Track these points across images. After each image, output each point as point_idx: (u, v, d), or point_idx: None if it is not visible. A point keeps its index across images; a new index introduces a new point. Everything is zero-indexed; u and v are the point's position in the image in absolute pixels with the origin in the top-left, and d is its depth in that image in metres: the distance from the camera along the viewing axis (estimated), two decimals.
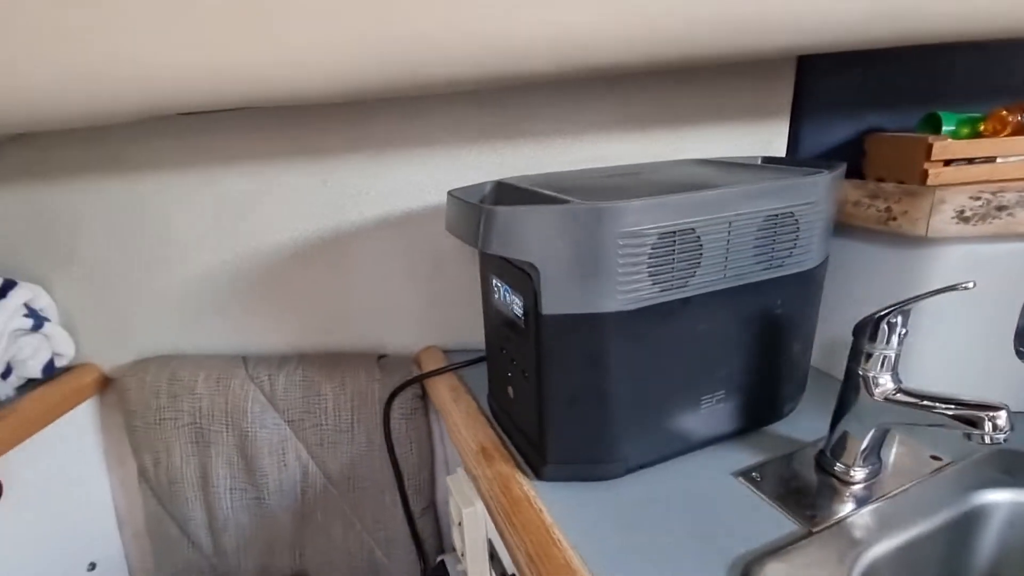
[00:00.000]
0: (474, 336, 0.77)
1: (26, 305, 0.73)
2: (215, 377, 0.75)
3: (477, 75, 0.52)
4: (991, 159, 0.54)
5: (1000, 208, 0.49)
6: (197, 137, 0.68)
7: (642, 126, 0.68)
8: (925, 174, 0.54)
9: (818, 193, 0.48)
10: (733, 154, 0.69)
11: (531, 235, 0.41)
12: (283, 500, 0.76)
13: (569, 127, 0.68)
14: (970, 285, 0.39)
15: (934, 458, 0.50)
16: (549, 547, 0.42)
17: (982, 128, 0.56)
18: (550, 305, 0.43)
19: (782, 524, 0.44)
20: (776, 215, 0.47)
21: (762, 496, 0.47)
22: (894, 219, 0.53)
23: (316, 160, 0.69)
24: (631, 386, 0.47)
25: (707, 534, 0.43)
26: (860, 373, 0.45)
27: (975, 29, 0.49)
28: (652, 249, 0.42)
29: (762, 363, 0.52)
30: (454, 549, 0.70)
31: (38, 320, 0.74)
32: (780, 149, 0.68)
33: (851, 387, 0.46)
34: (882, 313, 0.43)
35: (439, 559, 0.72)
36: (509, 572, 0.54)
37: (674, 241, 0.43)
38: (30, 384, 0.76)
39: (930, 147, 0.53)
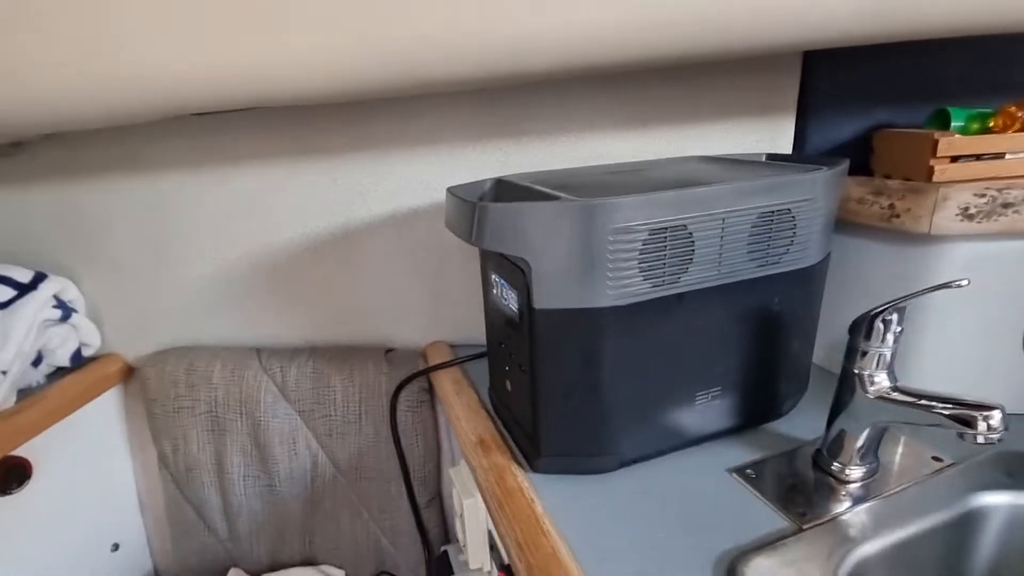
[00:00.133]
0: (480, 331, 0.77)
1: (56, 297, 0.77)
2: (230, 368, 0.77)
3: (477, 75, 0.52)
4: (1000, 155, 0.53)
5: (1006, 205, 0.48)
6: (211, 137, 0.71)
7: (646, 124, 0.68)
8: (931, 171, 0.53)
9: (816, 190, 0.48)
10: (738, 151, 0.69)
11: (523, 231, 0.42)
12: (293, 488, 0.79)
13: (572, 125, 0.68)
14: (963, 283, 0.39)
15: (935, 459, 0.50)
16: (538, 536, 0.43)
17: (992, 124, 0.55)
18: (542, 300, 0.44)
19: (773, 521, 0.44)
20: (772, 212, 0.47)
21: (755, 493, 0.47)
22: (897, 216, 0.52)
23: (325, 158, 0.71)
24: (624, 381, 0.47)
25: (697, 528, 0.44)
26: (855, 371, 0.45)
27: (984, 22, 0.48)
28: (643, 245, 0.43)
29: (759, 360, 0.52)
30: (457, 540, 0.72)
31: (66, 311, 0.78)
32: (786, 146, 0.67)
33: (846, 385, 0.46)
34: (877, 311, 0.43)
35: (442, 549, 0.73)
36: (507, 563, 0.55)
37: (665, 237, 0.43)
38: (59, 372, 0.80)
39: (936, 143, 0.52)
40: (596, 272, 0.43)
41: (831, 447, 0.49)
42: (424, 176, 0.71)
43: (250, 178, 0.73)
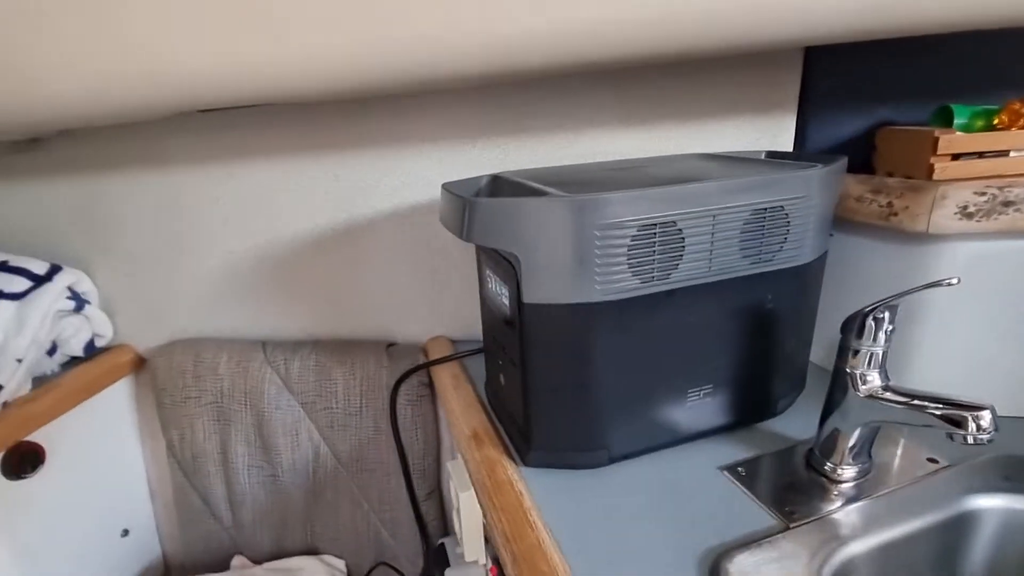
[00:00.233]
0: (479, 327, 0.79)
1: (70, 288, 0.80)
2: (236, 360, 0.79)
3: (476, 73, 0.53)
4: (1004, 153, 0.52)
5: (1007, 204, 0.47)
6: (219, 133, 0.72)
7: (645, 121, 0.68)
8: (931, 168, 0.52)
9: (809, 188, 0.48)
10: (740, 148, 0.69)
11: (511, 226, 0.42)
12: (296, 478, 0.80)
13: (572, 122, 0.69)
14: (954, 281, 0.38)
15: (930, 460, 0.49)
16: (524, 528, 0.44)
17: (996, 121, 0.54)
18: (531, 294, 0.45)
19: (761, 519, 0.44)
20: (764, 209, 0.47)
21: (745, 491, 0.47)
22: (895, 215, 0.52)
23: (328, 155, 0.72)
24: (614, 376, 0.47)
25: (684, 524, 0.44)
26: (847, 370, 0.45)
27: (984, 17, 0.47)
28: (632, 241, 0.43)
29: (752, 359, 0.52)
30: (455, 532, 0.73)
31: (80, 303, 0.80)
32: (788, 143, 0.67)
33: (839, 384, 0.46)
34: (868, 309, 0.43)
35: (439, 542, 0.74)
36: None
37: (655, 234, 0.44)
38: (73, 361, 0.83)
39: (936, 141, 0.52)
40: (585, 268, 0.43)
41: (823, 446, 0.48)
42: (425, 172, 0.72)
43: (257, 173, 0.75)
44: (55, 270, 0.79)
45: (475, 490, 0.53)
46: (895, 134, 0.59)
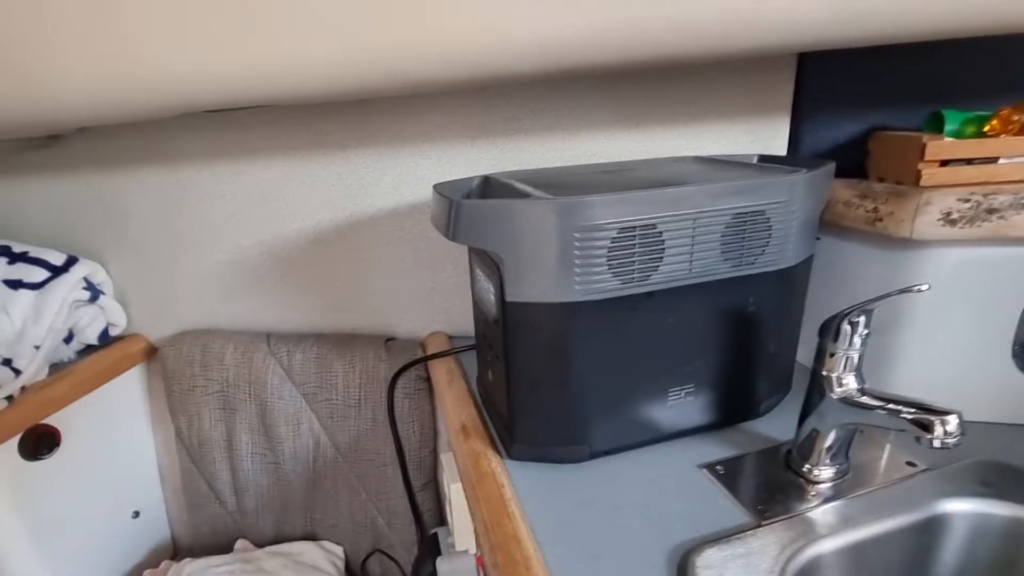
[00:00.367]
0: None
1: (85, 279, 0.83)
2: (241, 351, 0.82)
3: (466, 78, 0.55)
4: (993, 159, 0.52)
5: (991, 211, 0.47)
6: (227, 132, 0.75)
7: (641, 123, 0.69)
8: (919, 174, 0.53)
9: (792, 193, 0.48)
10: (734, 152, 0.69)
11: (494, 227, 0.44)
12: (297, 466, 0.83)
13: (568, 123, 0.70)
14: (923, 287, 0.39)
15: (909, 464, 0.50)
16: (502, 518, 0.45)
17: (987, 127, 0.54)
18: (514, 293, 0.46)
19: (735, 516, 0.45)
20: (745, 214, 0.47)
21: (722, 488, 0.48)
22: (880, 220, 0.52)
23: (330, 153, 0.74)
24: (594, 374, 0.49)
25: (658, 519, 0.45)
26: (824, 373, 0.46)
27: (978, 25, 0.48)
28: (612, 243, 0.44)
29: (735, 360, 0.53)
30: (449, 522, 0.75)
31: (95, 293, 0.84)
32: (781, 147, 0.67)
33: (816, 386, 0.47)
34: (843, 313, 0.43)
35: (433, 531, 0.76)
36: None
37: (635, 236, 0.45)
38: (88, 349, 0.87)
39: (924, 147, 0.52)
40: (565, 268, 0.44)
41: (801, 447, 0.49)
42: (423, 172, 0.74)
43: (262, 171, 0.77)
44: (72, 261, 0.82)
45: (462, 481, 0.55)
46: (887, 139, 0.59)
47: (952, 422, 0.38)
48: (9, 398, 0.72)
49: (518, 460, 0.53)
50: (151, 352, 0.92)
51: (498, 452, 0.55)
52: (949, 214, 0.48)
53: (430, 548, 0.74)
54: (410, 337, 0.85)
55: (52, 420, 0.78)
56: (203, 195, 0.79)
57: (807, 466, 0.49)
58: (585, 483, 0.50)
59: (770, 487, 0.48)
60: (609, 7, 0.45)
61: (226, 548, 0.88)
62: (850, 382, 0.45)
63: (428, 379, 0.81)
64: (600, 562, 0.41)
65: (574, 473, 0.51)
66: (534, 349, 0.48)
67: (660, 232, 0.45)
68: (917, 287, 0.39)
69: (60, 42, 0.45)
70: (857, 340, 0.44)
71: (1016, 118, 0.52)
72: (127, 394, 0.91)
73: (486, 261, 0.51)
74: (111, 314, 0.87)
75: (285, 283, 0.84)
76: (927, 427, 0.39)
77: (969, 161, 0.52)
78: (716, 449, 0.54)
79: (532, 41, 0.48)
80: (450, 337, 0.83)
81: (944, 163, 0.52)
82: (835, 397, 0.45)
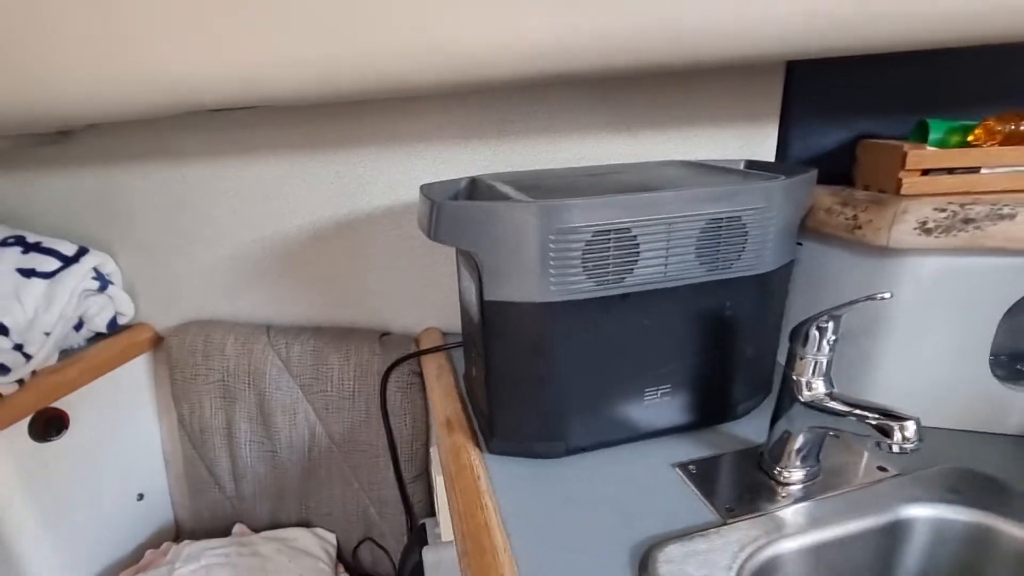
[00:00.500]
0: None
1: (95, 269, 0.86)
2: (242, 342, 0.85)
3: (458, 82, 0.56)
4: (974, 169, 0.52)
5: (967, 221, 0.48)
6: (230, 131, 0.77)
7: (631, 127, 0.70)
8: (899, 183, 0.53)
9: (769, 200, 0.49)
10: (724, 156, 0.70)
11: (473, 228, 0.46)
12: (293, 455, 0.86)
13: (560, 126, 0.71)
14: (886, 295, 0.39)
15: (880, 468, 0.50)
16: (475, 509, 0.47)
17: (971, 137, 0.54)
18: (491, 292, 0.48)
19: (701, 513, 0.46)
20: (721, 219, 0.48)
21: (692, 487, 0.49)
22: (859, 228, 0.53)
23: (329, 152, 0.76)
24: (570, 373, 0.50)
25: (627, 515, 0.47)
26: (793, 377, 0.46)
27: (960, 36, 0.48)
28: (587, 246, 0.46)
29: (711, 362, 0.54)
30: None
31: (104, 283, 0.87)
32: (770, 153, 0.68)
33: (786, 390, 0.48)
34: (812, 318, 0.44)
35: (421, 522, 0.78)
36: None
37: (609, 239, 0.46)
38: (97, 337, 0.90)
39: (905, 156, 0.52)
40: (541, 269, 0.46)
41: (772, 449, 0.50)
42: (418, 172, 0.76)
43: (264, 169, 0.80)
44: (82, 252, 0.85)
45: (442, 472, 0.56)
46: (872, 147, 0.60)
47: (910, 428, 0.39)
48: (20, 382, 0.76)
49: (497, 454, 0.54)
50: (157, 341, 0.95)
51: (479, 446, 0.56)
52: (925, 223, 0.49)
53: (418, 538, 0.76)
54: (405, 332, 0.87)
55: (61, 404, 0.81)
56: (207, 191, 0.82)
57: (778, 468, 0.50)
58: (560, 478, 0.51)
59: (741, 487, 0.49)
60: (599, 16, 0.46)
61: (225, 532, 0.91)
62: (819, 386, 0.46)
63: (421, 374, 0.83)
64: (566, 554, 0.43)
65: (550, 468, 0.53)
66: (512, 346, 0.49)
67: (635, 236, 0.47)
68: (880, 295, 0.40)
69: (64, 43, 0.48)
70: (825, 345, 0.45)
71: (999, 128, 0.52)
72: (133, 381, 0.94)
73: (469, 261, 0.53)
74: (119, 303, 0.91)
75: (285, 278, 0.86)
76: (887, 432, 0.40)
77: (951, 171, 0.52)
78: (692, 449, 0.55)
79: (525, 47, 0.49)
80: (444, 333, 0.84)
81: (925, 172, 0.53)
82: (803, 401, 0.46)
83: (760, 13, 0.44)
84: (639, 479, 0.51)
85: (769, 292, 0.54)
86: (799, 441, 0.48)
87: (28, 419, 0.77)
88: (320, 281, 0.85)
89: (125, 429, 0.93)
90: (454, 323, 0.84)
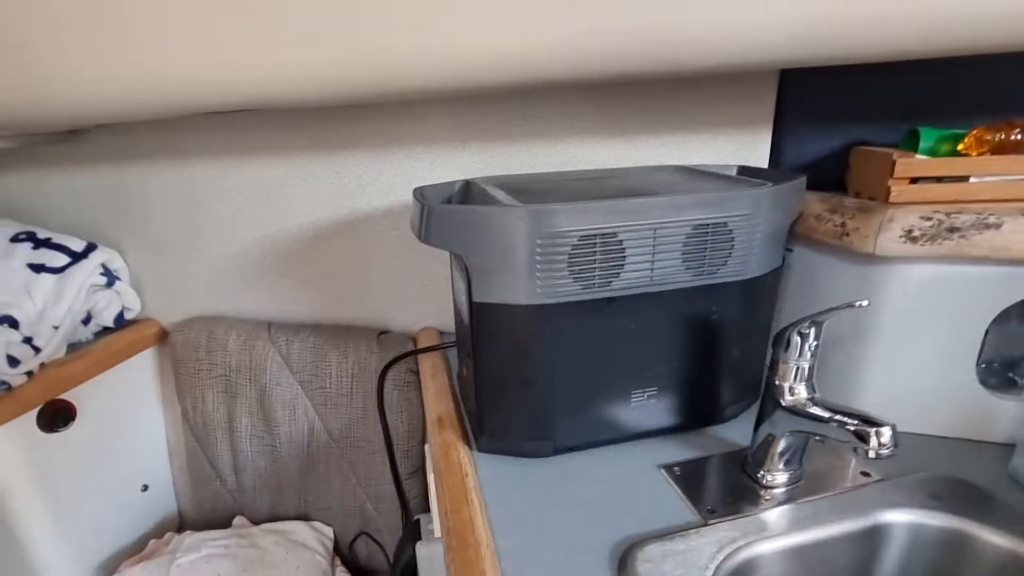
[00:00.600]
0: None
1: (103, 265, 0.89)
2: (243, 338, 0.87)
3: (453, 87, 0.57)
4: (963, 178, 0.52)
5: (952, 229, 0.48)
6: (234, 132, 0.79)
7: (626, 132, 0.70)
8: (888, 191, 0.53)
9: (756, 206, 0.50)
10: (718, 162, 0.70)
11: (461, 231, 0.47)
12: (292, 450, 0.87)
13: (556, 131, 0.72)
14: (864, 303, 0.40)
15: (864, 474, 0.51)
16: (461, 505, 0.48)
17: (961, 146, 0.54)
18: (480, 294, 0.49)
19: (683, 514, 0.47)
20: (707, 225, 0.49)
21: (676, 488, 0.50)
22: (847, 235, 0.53)
23: (330, 153, 0.78)
24: (557, 374, 0.51)
25: (610, 514, 0.48)
26: (776, 382, 0.47)
27: (949, 47, 0.48)
28: (573, 250, 0.47)
29: (698, 366, 0.55)
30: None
31: (111, 278, 0.89)
32: (763, 159, 0.68)
33: (769, 395, 0.48)
34: (793, 324, 0.45)
35: (416, 518, 0.80)
36: None
37: (595, 244, 0.47)
38: (104, 331, 0.92)
39: (893, 164, 0.53)
40: (528, 272, 0.47)
41: (756, 453, 0.51)
42: (417, 173, 0.77)
43: (266, 169, 0.81)
44: (91, 248, 0.88)
45: (432, 469, 0.58)
46: (864, 154, 0.60)
47: (886, 434, 0.39)
48: (29, 374, 0.78)
49: (486, 452, 0.56)
50: (163, 336, 0.97)
51: (468, 444, 0.58)
52: (911, 231, 0.49)
53: (412, 533, 0.77)
54: (403, 331, 0.88)
55: (68, 396, 0.83)
56: (211, 190, 0.84)
57: (761, 471, 0.50)
58: (547, 477, 0.52)
59: (724, 489, 0.50)
60: (598, 23, 0.47)
61: (226, 523, 0.93)
62: (801, 391, 0.46)
63: (418, 372, 0.84)
64: (549, 551, 0.44)
65: (538, 467, 0.54)
66: (500, 347, 0.50)
67: (621, 240, 0.47)
68: (859, 302, 0.40)
69: (69, 46, 0.49)
70: (807, 351, 0.45)
71: (989, 138, 0.52)
72: (139, 374, 0.96)
73: (459, 263, 0.54)
74: (126, 299, 0.93)
75: (287, 275, 0.88)
76: (864, 438, 0.40)
77: (940, 179, 0.53)
78: (678, 451, 0.56)
79: (524, 52, 0.50)
80: (440, 333, 0.86)
81: (915, 180, 0.53)
82: (785, 405, 0.46)
83: (756, 22, 0.45)
84: (624, 480, 0.52)
85: (756, 297, 0.55)
86: (782, 445, 0.48)
87: (37, 410, 0.79)
88: (320, 279, 0.87)
89: (131, 421, 0.95)
90: (451, 323, 0.85)
